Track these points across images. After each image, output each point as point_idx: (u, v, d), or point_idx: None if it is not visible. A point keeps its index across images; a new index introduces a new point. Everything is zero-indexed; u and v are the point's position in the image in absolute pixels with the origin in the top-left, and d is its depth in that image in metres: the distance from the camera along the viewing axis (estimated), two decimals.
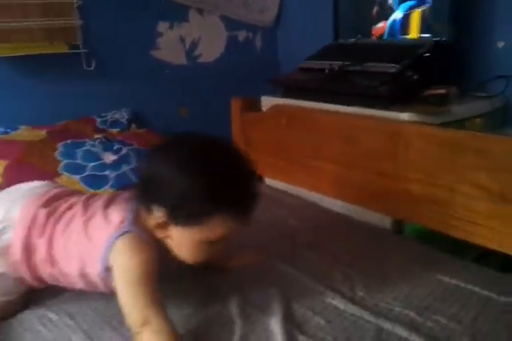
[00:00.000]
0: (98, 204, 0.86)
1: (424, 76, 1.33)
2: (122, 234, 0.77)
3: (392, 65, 1.35)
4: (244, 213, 0.77)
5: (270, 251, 1.09)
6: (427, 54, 1.38)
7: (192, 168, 0.73)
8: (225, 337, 0.80)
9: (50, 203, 0.86)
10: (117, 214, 0.81)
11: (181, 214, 0.73)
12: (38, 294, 0.91)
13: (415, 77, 1.32)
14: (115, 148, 1.47)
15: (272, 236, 1.18)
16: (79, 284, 0.84)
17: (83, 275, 0.82)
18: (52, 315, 0.86)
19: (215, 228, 0.75)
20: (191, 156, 0.74)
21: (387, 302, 0.89)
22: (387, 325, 0.82)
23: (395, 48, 1.47)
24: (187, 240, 0.76)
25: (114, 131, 1.65)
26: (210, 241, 0.77)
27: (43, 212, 0.84)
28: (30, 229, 0.82)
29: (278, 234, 1.20)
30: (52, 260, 0.82)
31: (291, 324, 0.83)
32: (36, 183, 0.95)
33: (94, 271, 0.80)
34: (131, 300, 0.74)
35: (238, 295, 0.91)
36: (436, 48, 1.39)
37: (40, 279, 0.86)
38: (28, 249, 0.82)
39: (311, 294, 0.93)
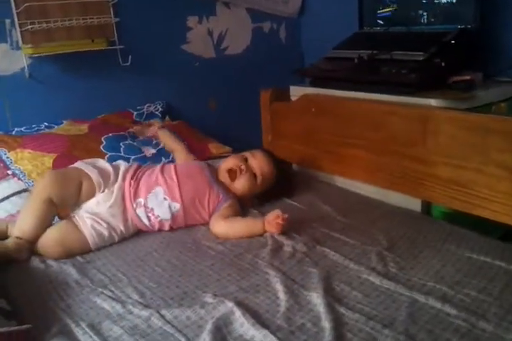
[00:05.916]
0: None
1: (450, 63, 1.37)
2: None
3: (420, 52, 1.39)
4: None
5: (306, 235, 1.17)
6: (453, 41, 1.41)
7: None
8: (272, 309, 0.88)
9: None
10: None
11: None
12: None
13: (442, 64, 1.36)
14: (154, 142, 1.55)
15: (306, 221, 1.25)
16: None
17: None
18: None
19: None
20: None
21: (419, 278, 0.96)
22: (420, 298, 0.89)
23: (421, 36, 1.51)
24: None
25: None
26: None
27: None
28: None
29: (312, 219, 1.26)
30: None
31: (332, 298, 0.90)
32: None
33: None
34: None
35: (281, 274, 0.99)
36: (462, 35, 1.42)
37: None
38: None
39: (347, 272, 1.00)
